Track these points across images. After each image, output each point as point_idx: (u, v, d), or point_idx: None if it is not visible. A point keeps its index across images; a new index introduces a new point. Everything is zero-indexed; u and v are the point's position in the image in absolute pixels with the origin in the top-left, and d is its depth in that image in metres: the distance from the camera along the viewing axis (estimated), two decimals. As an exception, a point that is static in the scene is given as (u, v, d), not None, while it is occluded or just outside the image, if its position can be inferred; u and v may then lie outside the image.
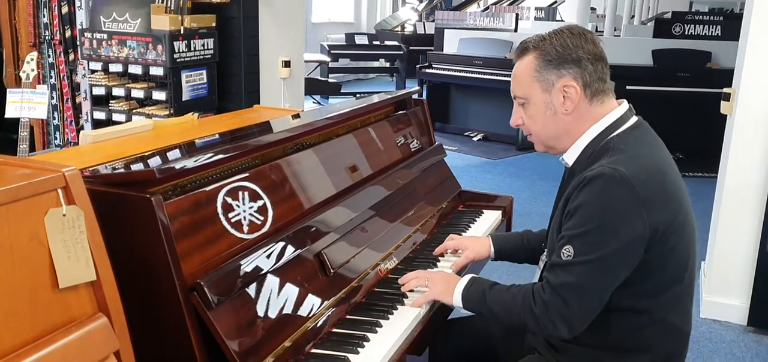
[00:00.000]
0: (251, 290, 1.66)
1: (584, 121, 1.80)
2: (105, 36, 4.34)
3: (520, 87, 1.84)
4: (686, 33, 7.95)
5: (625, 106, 1.83)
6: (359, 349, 1.73)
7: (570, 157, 1.85)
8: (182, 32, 4.24)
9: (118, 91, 4.41)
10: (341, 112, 2.42)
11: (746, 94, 3.62)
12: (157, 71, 4.23)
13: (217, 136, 2.23)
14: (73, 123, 5.06)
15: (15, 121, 3.70)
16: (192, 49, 4.30)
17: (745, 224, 3.73)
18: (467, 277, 1.95)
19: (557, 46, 1.77)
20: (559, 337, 1.76)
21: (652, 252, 1.67)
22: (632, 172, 1.64)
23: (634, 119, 1.81)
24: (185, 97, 4.33)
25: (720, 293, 3.86)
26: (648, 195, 1.64)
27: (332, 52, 12.13)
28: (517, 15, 9.63)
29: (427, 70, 8.79)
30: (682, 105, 7.25)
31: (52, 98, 5.03)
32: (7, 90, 3.78)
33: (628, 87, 6.57)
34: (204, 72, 4.46)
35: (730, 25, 7.56)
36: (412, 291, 2.03)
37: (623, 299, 1.73)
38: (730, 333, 3.73)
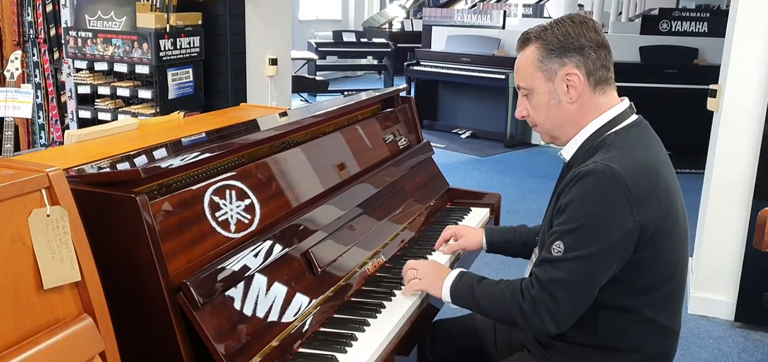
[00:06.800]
0: (238, 289, 1.64)
1: (588, 111, 1.78)
2: (90, 34, 4.31)
3: (524, 78, 1.82)
4: (673, 29, 7.98)
5: (625, 103, 1.82)
6: (347, 348, 1.72)
7: (568, 152, 1.84)
8: (168, 30, 4.22)
9: (103, 90, 4.39)
10: (328, 109, 2.41)
11: (732, 90, 3.63)
12: (142, 69, 4.21)
13: (203, 134, 2.22)
14: (59, 122, 5.03)
15: (-1, 121, 3.68)
16: (178, 47, 4.28)
17: (732, 220, 3.75)
18: (456, 271, 1.94)
19: (559, 35, 1.76)
20: (547, 333, 1.75)
21: (641, 252, 1.67)
22: (625, 169, 1.63)
23: (633, 117, 1.80)
24: (171, 95, 4.31)
25: (707, 289, 3.88)
26: (640, 193, 1.63)
27: (320, 49, 12.11)
28: (504, 12, 9.64)
29: (415, 68, 8.79)
30: (670, 101, 7.28)
31: (37, 97, 4.99)
32: (-8, 89, 3.75)
33: (615, 84, 6.54)
34: (190, 70, 4.44)
35: (717, 21, 7.59)
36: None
37: (612, 298, 1.73)
38: (718, 328, 3.74)
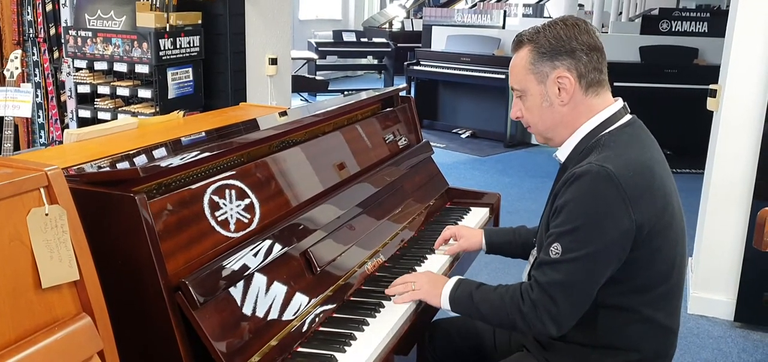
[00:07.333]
0: (237, 289, 1.64)
1: (581, 113, 1.79)
2: (90, 34, 4.31)
3: (517, 80, 1.84)
4: (673, 29, 7.98)
5: (619, 103, 1.82)
6: (346, 348, 1.72)
7: (563, 153, 1.85)
8: (168, 30, 4.22)
9: (103, 89, 4.38)
10: (328, 109, 2.41)
11: (732, 90, 3.63)
12: (142, 69, 4.20)
13: (203, 134, 2.22)
14: (58, 121, 5.03)
15: (-1, 120, 3.67)
16: (178, 46, 4.28)
17: (732, 219, 3.75)
18: (454, 279, 1.94)
19: (550, 38, 1.77)
20: (548, 335, 1.75)
21: (638, 250, 1.67)
22: (619, 168, 1.64)
23: (627, 117, 1.81)
24: (171, 94, 4.31)
25: (707, 289, 3.88)
26: (635, 192, 1.64)
27: (320, 49, 12.10)
28: (504, 12, 9.64)
29: (415, 67, 8.78)
30: (670, 101, 7.28)
31: (37, 96, 4.99)
32: (-9, 88, 3.75)
33: (615, 83, 6.48)
34: (190, 70, 4.43)
35: (717, 21, 7.58)
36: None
37: (610, 297, 1.73)
38: (718, 328, 3.74)
